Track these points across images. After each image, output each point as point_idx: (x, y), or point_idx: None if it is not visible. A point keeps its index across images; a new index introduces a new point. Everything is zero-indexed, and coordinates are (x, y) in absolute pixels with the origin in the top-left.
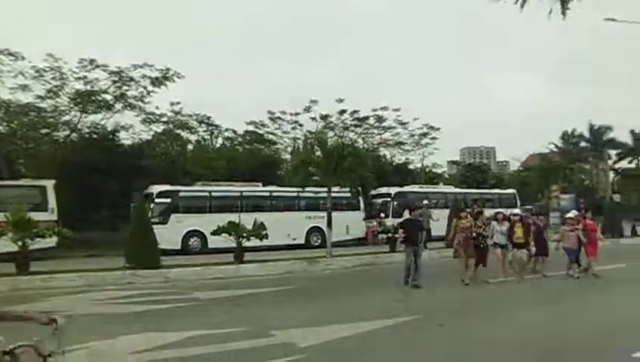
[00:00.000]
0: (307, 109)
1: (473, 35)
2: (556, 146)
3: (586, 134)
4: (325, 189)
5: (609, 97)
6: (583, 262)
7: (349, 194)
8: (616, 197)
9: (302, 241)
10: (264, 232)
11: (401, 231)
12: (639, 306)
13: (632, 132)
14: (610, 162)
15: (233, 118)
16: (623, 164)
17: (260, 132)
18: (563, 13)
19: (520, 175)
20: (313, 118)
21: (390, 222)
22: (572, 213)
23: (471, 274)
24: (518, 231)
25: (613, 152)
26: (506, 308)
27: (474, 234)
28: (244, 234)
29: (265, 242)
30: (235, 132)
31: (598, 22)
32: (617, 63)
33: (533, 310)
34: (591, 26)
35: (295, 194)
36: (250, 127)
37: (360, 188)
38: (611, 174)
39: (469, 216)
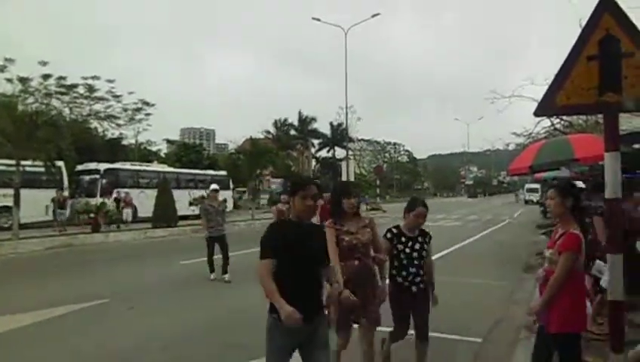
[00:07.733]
0: (1, 69)
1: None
2: (268, 132)
3: (296, 123)
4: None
5: (322, 87)
6: None
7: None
8: None
9: None
10: None
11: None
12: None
13: (331, 124)
14: (313, 150)
15: None
16: (323, 153)
17: None
18: None
19: (232, 157)
20: (9, 80)
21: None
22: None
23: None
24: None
25: (316, 141)
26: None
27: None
28: None
29: None
30: None
31: (307, 19)
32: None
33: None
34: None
35: None
36: None
37: (62, 163)
38: (313, 162)
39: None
